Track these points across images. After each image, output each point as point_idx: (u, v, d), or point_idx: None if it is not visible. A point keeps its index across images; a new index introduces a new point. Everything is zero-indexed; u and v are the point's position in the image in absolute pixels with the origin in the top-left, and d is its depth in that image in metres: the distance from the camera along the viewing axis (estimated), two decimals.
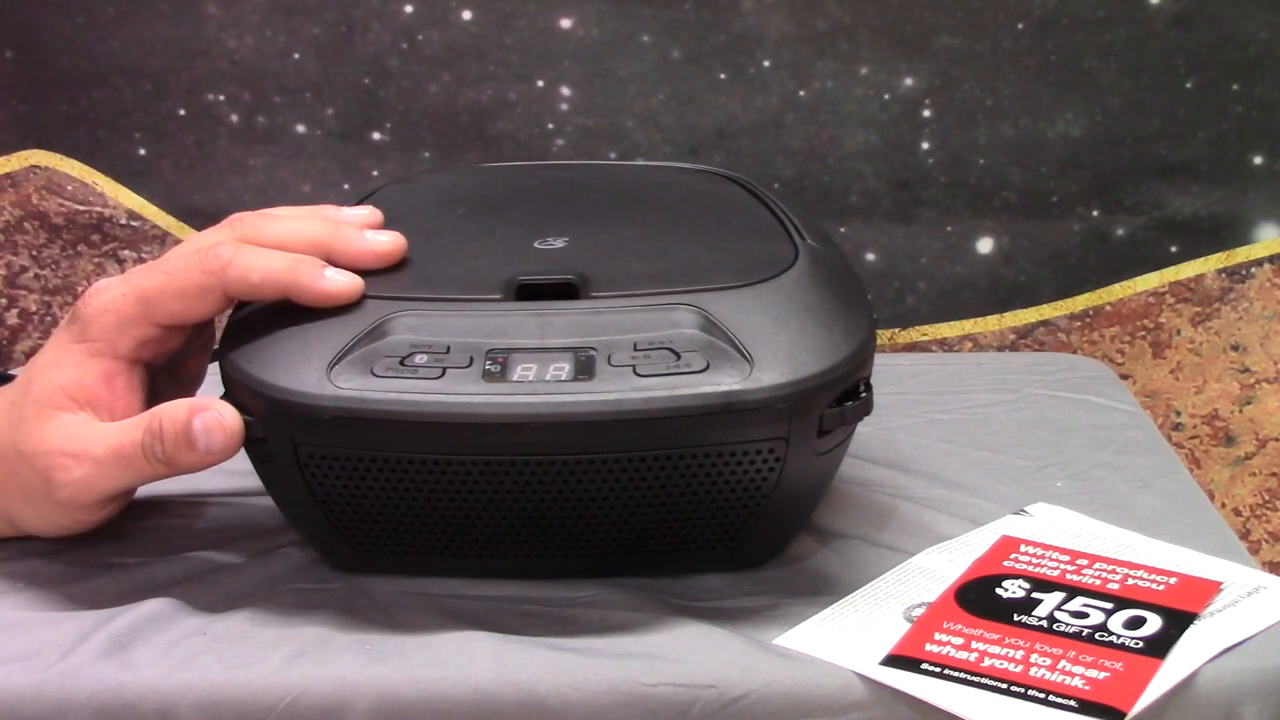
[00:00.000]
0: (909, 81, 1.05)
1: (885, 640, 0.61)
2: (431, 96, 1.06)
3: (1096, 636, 0.61)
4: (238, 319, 0.66)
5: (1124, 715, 0.56)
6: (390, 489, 0.63)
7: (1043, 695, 0.57)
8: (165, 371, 0.71)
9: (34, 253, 1.10)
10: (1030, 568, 0.67)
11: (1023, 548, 0.69)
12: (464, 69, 1.05)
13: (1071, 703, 0.57)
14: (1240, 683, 0.59)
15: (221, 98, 1.07)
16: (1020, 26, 1.03)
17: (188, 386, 0.73)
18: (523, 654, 0.60)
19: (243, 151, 1.07)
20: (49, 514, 0.67)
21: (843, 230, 1.06)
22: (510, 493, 0.63)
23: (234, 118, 1.07)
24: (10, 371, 0.87)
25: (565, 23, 1.05)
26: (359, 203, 0.74)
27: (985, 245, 1.07)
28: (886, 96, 1.05)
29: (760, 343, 0.63)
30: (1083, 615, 0.62)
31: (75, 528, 0.68)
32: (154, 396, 0.68)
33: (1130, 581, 0.65)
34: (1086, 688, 0.57)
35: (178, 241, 1.08)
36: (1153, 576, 0.65)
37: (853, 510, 0.74)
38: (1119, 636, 0.61)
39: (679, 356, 0.62)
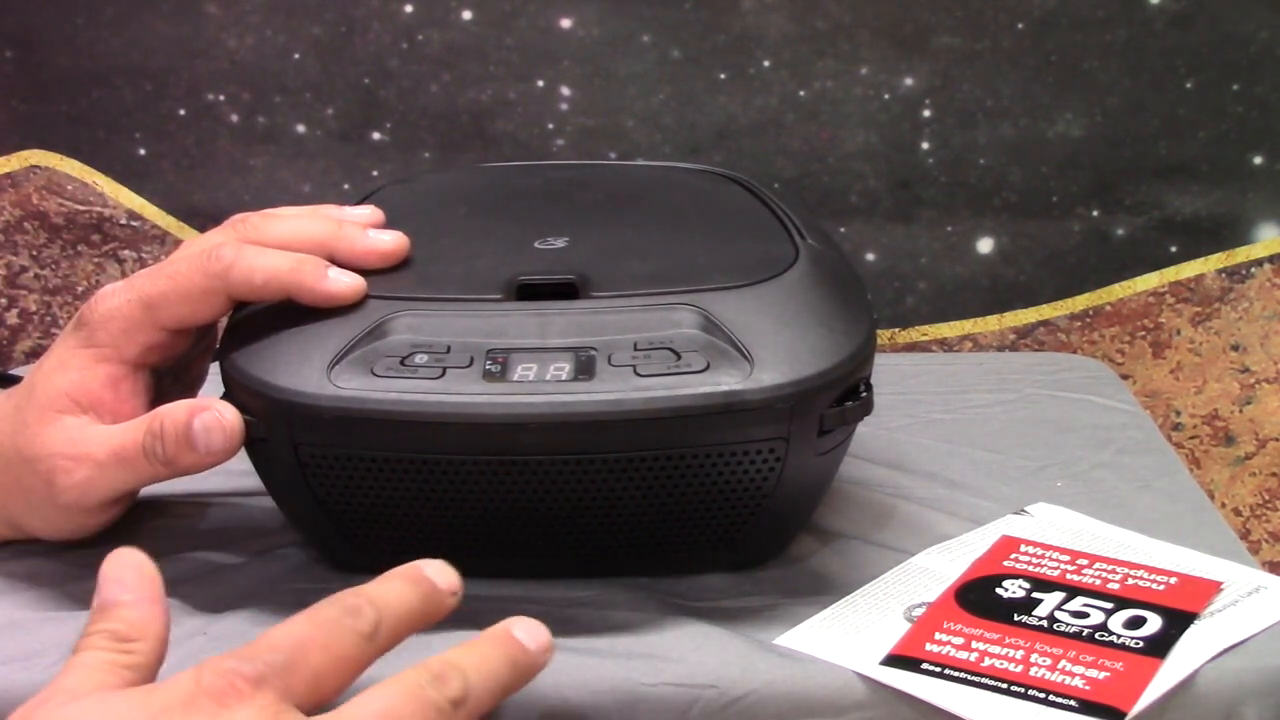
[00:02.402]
0: (909, 81, 1.05)
1: (885, 640, 0.61)
2: (431, 96, 1.06)
3: (1097, 636, 0.61)
4: (238, 319, 0.66)
5: (1124, 715, 0.56)
6: (390, 489, 0.63)
7: (1043, 695, 0.57)
8: (169, 374, 0.71)
9: (34, 253, 1.10)
10: (1030, 567, 0.67)
11: (1023, 548, 0.69)
12: (464, 69, 1.05)
13: (1072, 702, 0.57)
14: (1241, 682, 0.59)
15: (221, 98, 1.07)
16: (1020, 26, 1.03)
17: (191, 388, 0.73)
18: None
19: (243, 151, 1.07)
20: (53, 518, 0.67)
21: (843, 230, 1.06)
22: (510, 493, 0.63)
23: (234, 118, 1.07)
24: (11, 372, 0.87)
25: (565, 23, 1.05)
26: (359, 203, 0.74)
27: (985, 245, 1.07)
28: (886, 96, 1.05)
29: (760, 343, 0.63)
30: (1083, 615, 0.62)
31: (79, 531, 0.68)
32: (158, 399, 0.68)
33: (1130, 581, 0.65)
34: (1087, 687, 0.57)
35: (178, 242, 1.08)
36: (1153, 576, 0.65)
37: (853, 510, 0.74)
38: (1119, 636, 0.61)
39: (679, 356, 0.62)
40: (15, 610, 0.65)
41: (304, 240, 0.66)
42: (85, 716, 0.49)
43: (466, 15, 1.05)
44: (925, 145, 1.06)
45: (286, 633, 0.50)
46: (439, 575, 0.54)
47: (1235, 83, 1.04)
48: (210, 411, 0.63)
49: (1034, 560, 0.67)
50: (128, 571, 0.54)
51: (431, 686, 0.49)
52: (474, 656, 0.52)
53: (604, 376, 0.61)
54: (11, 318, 1.11)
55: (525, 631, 0.53)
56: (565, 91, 1.06)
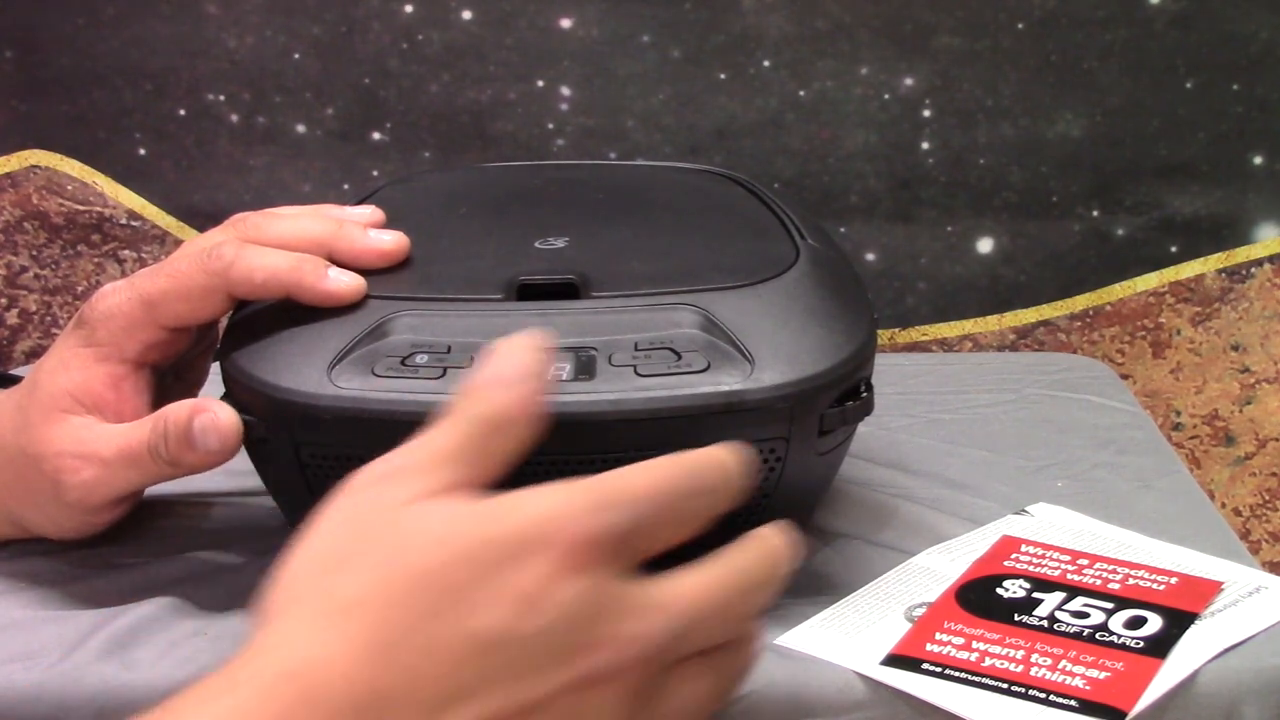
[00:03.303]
0: (909, 81, 1.05)
1: (886, 640, 0.61)
2: (431, 96, 1.06)
3: (1097, 636, 0.61)
4: (238, 319, 0.66)
5: (1125, 715, 0.56)
6: None
7: (1043, 695, 0.57)
8: (171, 373, 0.71)
9: (34, 253, 1.10)
10: (1031, 568, 0.67)
11: (1023, 548, 0.69)
12: (464, 69, 1.05)
13: (1072, 702, 0.57)
14: (1241, 682, 0.59)
15: (221, 98, 1.07)
16: (1020, 26, 1.03)
17: (193, 387, 0.73)
18: None
19: (243, 151, 1.07)
20: (57, 516, 0.67)
21: (843, 230, 1.06)
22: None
23: (234, 118, 1.07)
24: (11, 372, 0.87)
25: (565, 23, 1.05)
26: (359, 203, 0.74)
27: (985, 245, 1.07)
28: (886, 96, 1.05)
29: (761, 343, 0.63)
30: (1083, 615, 0.62)
31: (83, 530, 0.68)
32: (161, 397, 0.68)
33: (1131, 581, 0.65)
34: (1087, 687, 0.57)
35: (178, 242, 1.08)
36: (1153, 576, 0.65)
37: (853, 510, 0.74)
38: (1120, 636, 0.61)
39: (680, 356, 0.62)
40: (16, 610, 0.65)
41: (304, 239, 0.66)
42: (432, 530, 0.46)
43: (466, 15, 1.05)
44: (925, 145, 1.06)
45: (672, 488, 0.48)
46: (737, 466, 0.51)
47: (1235, 83, 1.04)
48: (207, 413, 0.63)
49: (1034, 560, 0.67)
50: (524, 359, 0.51)
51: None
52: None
53: (604, 376, 0.61)
54: (11, 318, 1.11)
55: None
56: (565, 91, 1.06)
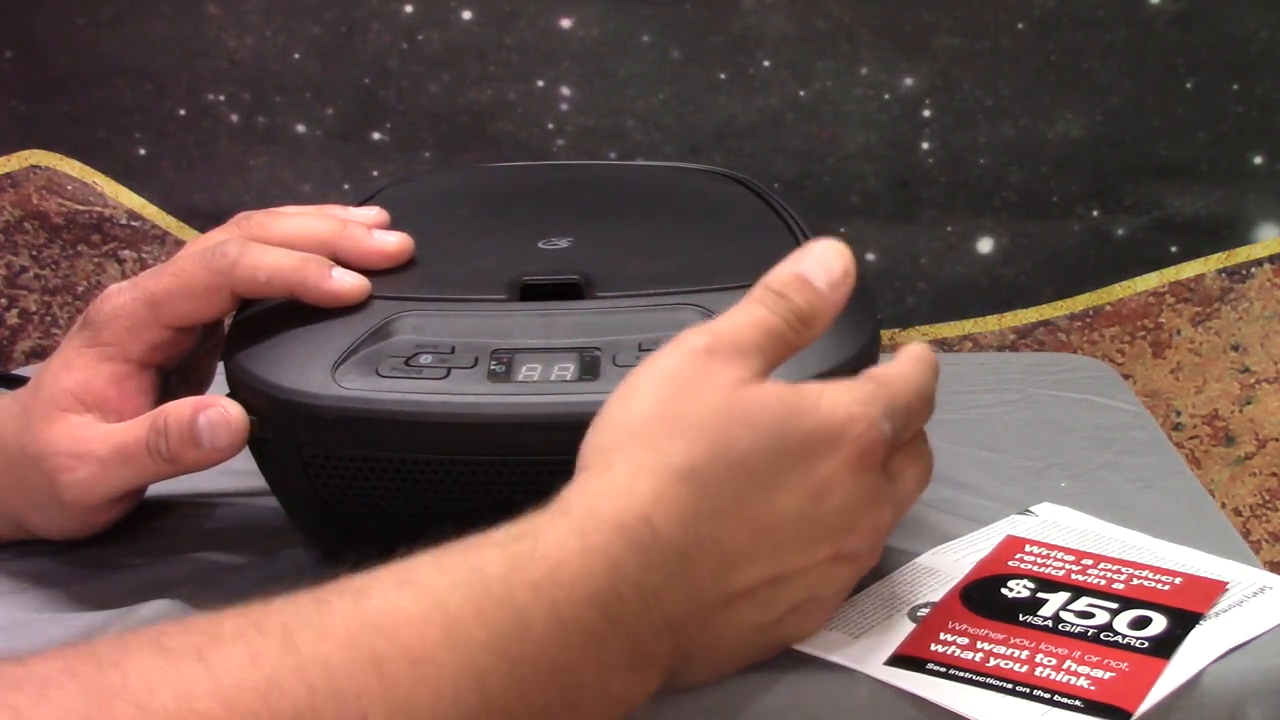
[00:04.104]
0: (909, 81, 1.05)
1: (890, 640, 0.61)
2: (431, 96, 1.06)
3: (1102, 636, 0.61)
4: (242, 319, 0.66)
5: (1129, 715, 0.56)
6: (395, 489, 0.63)
7: (1048, 695, 0.57)
8: (176, 373, 0.71)
9: (34, 253, 1.10)
10: (1035, 568, 0.66)
11: (1027, 548, 0.69)
12: (464, 69, 1.05)
13: (1077, 702, 0.56)
14: (1245, 683, 0.59)
15: (221, 98, 1.07)
16: (1020, 26, 1.03)
17: (198, 387, 0.73)
18: None
19: (243, 151, 1.07)
20: (57, 516, 0.67)
21: (843, 230, 1.06)
22: (515, 494, 0.63)
23: (234, 118, 1.07)
24: (12, 371, 0.87)
25: (565, 23, 1.05)
26: (362, 203, 0.74)
27: (985, 245, 1.07)
28: (886, 96, 1.05)
29: None
30: (1088, 615, 0.62)
31: (83, 530, 0.68)
32: (165, 398, 0.68)
33: (1135, 582, 0.65)
34: (1092, 688, 0.57)
35: (178, 242, 1.08)
36: (1158, 576, 0.65)
37: None
38: (1124, 636, 0.60)
39: None
40: (18, 610, 0.65)
41: (308, 238, 0.66)
42: (757, 417, 0.53)
43: (466, 15, 1.05)
44: (925, 145, 1.06)
45: (918, 393, 0.57)
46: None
47: (1235, 83, 1.04)
48: (215, 408, 0.63)
49: (1039, 560, 0.67)
50: (837, 263, 0.58)
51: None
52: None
53: (609, 377, 0.61)
54: (11, 318, 1.11)
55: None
56: (565, 91, 1.05)
